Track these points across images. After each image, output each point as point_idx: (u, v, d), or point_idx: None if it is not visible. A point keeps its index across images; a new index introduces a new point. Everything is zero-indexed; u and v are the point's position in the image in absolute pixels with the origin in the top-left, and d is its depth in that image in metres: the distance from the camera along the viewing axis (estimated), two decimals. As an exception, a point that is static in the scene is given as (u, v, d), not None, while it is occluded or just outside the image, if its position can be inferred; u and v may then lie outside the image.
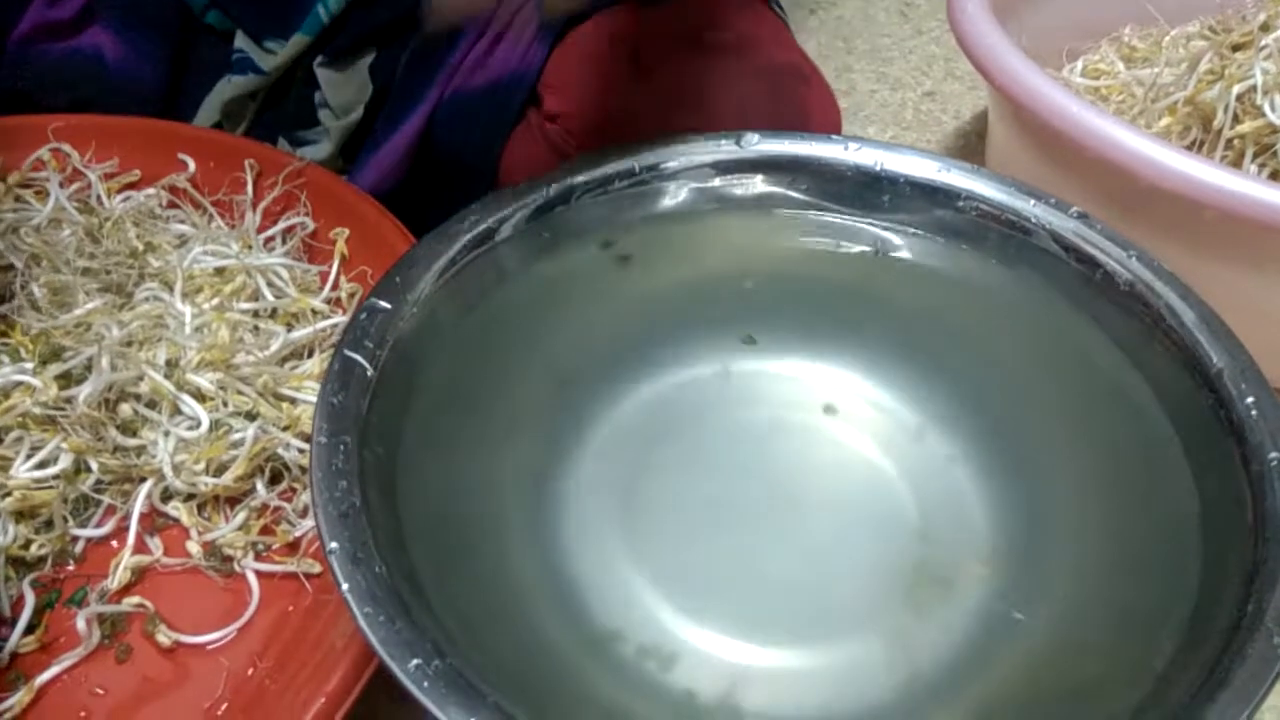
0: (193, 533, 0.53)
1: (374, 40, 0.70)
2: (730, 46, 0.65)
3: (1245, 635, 0.38)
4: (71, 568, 0.53)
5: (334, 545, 0.40)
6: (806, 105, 0.65)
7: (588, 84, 0.65)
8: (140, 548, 0.53)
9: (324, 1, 0.68)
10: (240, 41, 0.71)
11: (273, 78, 0.71)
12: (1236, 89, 0.70)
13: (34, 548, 0.51)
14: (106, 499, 0.54)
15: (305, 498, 0.55)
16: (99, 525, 0.54)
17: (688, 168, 0.57)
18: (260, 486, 0.55)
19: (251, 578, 0.52)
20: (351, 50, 0.70)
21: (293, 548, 0.53)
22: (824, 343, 0.57)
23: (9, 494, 0.52)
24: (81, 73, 0.69)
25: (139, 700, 0.48)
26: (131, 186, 0.68)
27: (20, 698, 0.47)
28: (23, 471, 0.52)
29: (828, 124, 0.66)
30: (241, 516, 0.54)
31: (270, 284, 0.62)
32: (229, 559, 0.53)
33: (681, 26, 0.65)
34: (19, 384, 0.54)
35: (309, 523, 0.54)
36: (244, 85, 0.72)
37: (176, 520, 0.54)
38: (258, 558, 0.53)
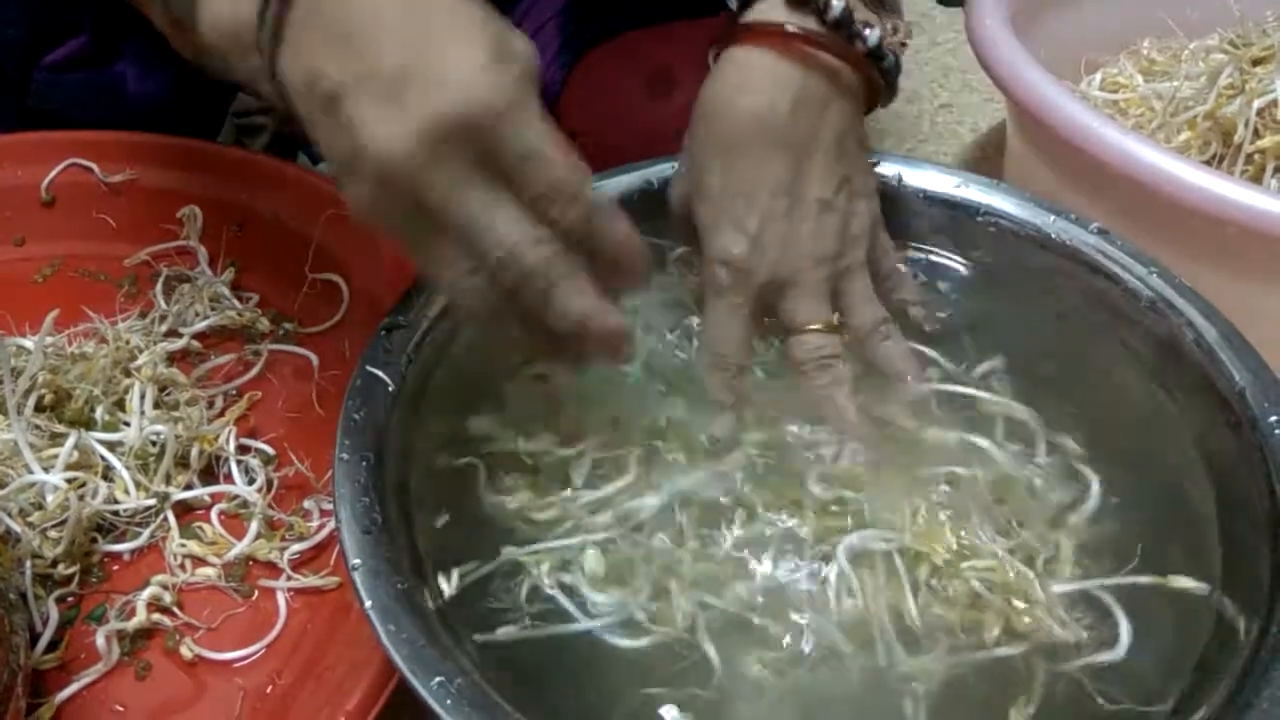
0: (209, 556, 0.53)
1: None
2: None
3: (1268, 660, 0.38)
4: (93, 582, 0.53)
5: (357, 561, 0.40)
6: None
7: (607, 102, 0.65)
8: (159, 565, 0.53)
9: None
10: None
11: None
12: (1257, 103, 0.70)
13: (61, 567, 0.52)
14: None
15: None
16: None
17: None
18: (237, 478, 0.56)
19: (280, 598, 0.52)
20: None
21: (311, 559, 0.54)
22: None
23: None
24: (102, 98, 0.70)
25: (158, 717, 0.48)
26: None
27: (41, 715, 0.47)
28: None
29: None
30: (255, 526, 0.54)
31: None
32: (246, 577, 0.53)
33: (700, 45, 0.65)
34: None
35: (315, 522, 0.55)
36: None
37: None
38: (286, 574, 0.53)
